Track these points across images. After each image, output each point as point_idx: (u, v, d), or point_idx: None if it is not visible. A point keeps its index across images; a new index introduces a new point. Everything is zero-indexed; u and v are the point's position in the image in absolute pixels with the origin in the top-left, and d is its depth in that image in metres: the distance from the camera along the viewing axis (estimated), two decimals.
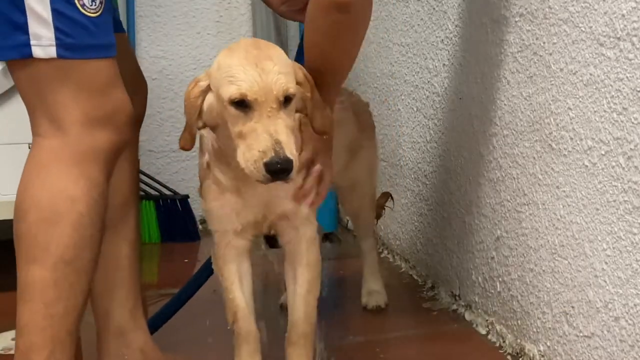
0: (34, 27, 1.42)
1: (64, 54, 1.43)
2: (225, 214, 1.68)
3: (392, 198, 2.50)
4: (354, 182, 2.20)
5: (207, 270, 2.03)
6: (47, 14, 1.41)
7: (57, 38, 1.42)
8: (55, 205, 1.45)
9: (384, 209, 2.49)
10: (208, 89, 1.56)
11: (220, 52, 1.58)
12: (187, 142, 1.61)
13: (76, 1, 1.43)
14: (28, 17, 1.41)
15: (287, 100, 1.50)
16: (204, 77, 1.58)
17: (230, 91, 1.49)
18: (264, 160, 1.44)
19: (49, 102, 1.46)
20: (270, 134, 1.46)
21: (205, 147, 1.68)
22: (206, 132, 1.64)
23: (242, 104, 1.48)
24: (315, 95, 1.61)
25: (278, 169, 1.44)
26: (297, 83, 1.57)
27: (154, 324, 2.04)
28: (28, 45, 1.42)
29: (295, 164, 1.46)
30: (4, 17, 1.42)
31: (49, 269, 1.45)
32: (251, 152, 1.46)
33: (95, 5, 1.46)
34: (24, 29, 1.42)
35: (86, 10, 1.44)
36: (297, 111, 1.59)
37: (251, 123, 1.47)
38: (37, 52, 1.43)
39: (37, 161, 1.48)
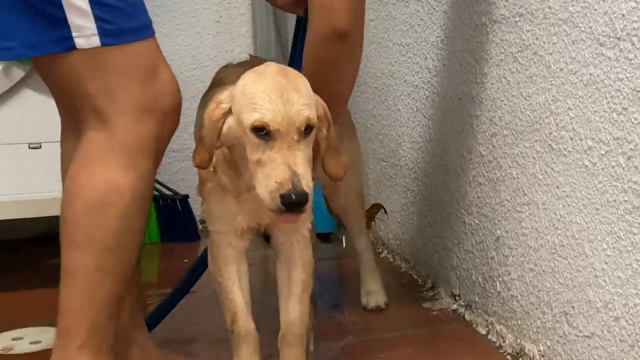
0: (73, 18, 1.41)
1: (107, 41, 1.43)
2: (226, 216, 1.68)
3: (385, 210, 2.49)
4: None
5: (202, 266, 2.03)
6: (85, 4, 1.41)
7: (98, 27, 1.42)
8: (102, 194, 1.47)
9: (374, 220, 2.48)
10: (229, 111, 1.56)
11: (245, 75, 1.56)
12: (204, 161, 1.60)
13: None
14: (66, 10, 1.41)
15: (307, 130, 1.51)
16: (226, 98, 1.56)
17: (253, 118, 1.49)
18: (281, 192, 1.45)
19: (94, 93, 1.46)
20: (289, 166, 1.46)
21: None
22: None
23: (263, 132, 1.49)
24: (331, 135, 1.61)
25: (294, 202, 1.45)
26: (317, 118, 1.56)
27: (151, 322, 2.04)
28: (70, 38, 1.42)
29: (310, 198, 1.48)
30: (40, 11, 1.41)
31: (92, 255, 1.48)
32: (268, 182, 1.47)
33: None
34: (63, 22, 1.41)
35: None
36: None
37: (271, 152, 1.48)
38: (81, 42, 1.43)
39: (86, 153, 1.49)
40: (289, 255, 1.73)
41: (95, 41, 1.43)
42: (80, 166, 1.49)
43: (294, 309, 1.73)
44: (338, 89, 1.75)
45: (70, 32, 1.42)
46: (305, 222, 1.72)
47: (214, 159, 1.66)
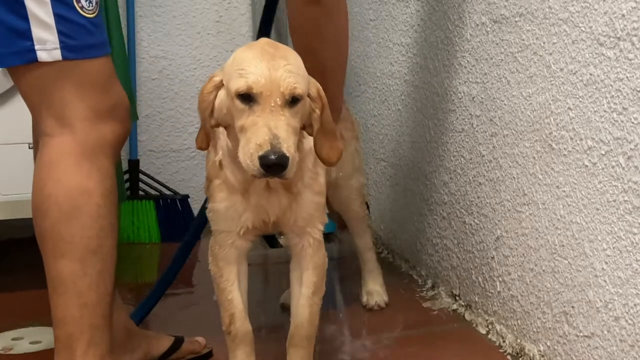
0: (37, 32, 1.45)
1: (69, 56, 1.47)
2: (232, 215, 1.68)
3: (368, 206, 2.48)
4: (339, 175, 2.18)
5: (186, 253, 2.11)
6: (49, 18, 1.45)
7: (60, 41, 1.46)
8: (73, 200, 1.49)
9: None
10: (221, 84, 1.56)
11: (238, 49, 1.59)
12: (202, 141, 1.61)
13: (75, 4, 1.47)
14: (31, 23, 1.44)
15: (293, 101, 1.50)
16: (219, 72, 1.58)
17: (239, 84, 1.49)
18: (259, 153, 1.44)
19: (54, 102, 1.50)
20: (269, 128, 1.45)
21: (219, 145, 1.67)
22: (222, 130, 1.64)
23: (248, 98, 1.48)
24: (325, 118, 1.59)
25: (272, 163, 1.43)
26: (310, 97, 1.56)
27: (141, 313, 2.07)
28: (33, 51, 1.46)
29: (292, 162, 1.45)
30: (3, 24, 1.45)
31: (77, 261, 1.50)
32: (249, 145, 1.46)
33: (92, 6, 1.50)
34: (26, 35, 1.45)
35: (84, 12, 1.49)
36: (302, 128, 1.58)
37: (253, 117, 1.47)
38: (43, 56, 1.46)
39: (48, 159, 1.51)
40: (301, 257, 1.73)
41: (57, 55, 1.47)
42: (46, 174, 1.51)
43: (303, 311, 1.72)
44: (328, 55, 1.83)
45: (33, 44, 1.45)
46: (316, 225, 1.72)
47: (219, 153, 1.66)
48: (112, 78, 1.56)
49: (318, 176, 1.70)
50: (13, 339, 2.13)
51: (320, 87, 1.59)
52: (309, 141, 1.65)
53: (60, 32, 1.46)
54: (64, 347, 1.51)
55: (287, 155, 1.44)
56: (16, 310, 2.36)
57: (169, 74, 3.18)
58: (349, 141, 2.20)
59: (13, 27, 1.44)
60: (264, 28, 2.18)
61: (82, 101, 1.50)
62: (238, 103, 1.50)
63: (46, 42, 1.46)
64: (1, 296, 2.45)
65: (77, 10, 1.47)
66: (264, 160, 1.43)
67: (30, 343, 2.10)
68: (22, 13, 1.44)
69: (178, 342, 1.93)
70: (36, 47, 1.45)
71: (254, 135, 1.46)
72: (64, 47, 1.46)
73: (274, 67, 1.49)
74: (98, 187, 1.51)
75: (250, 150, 1.45)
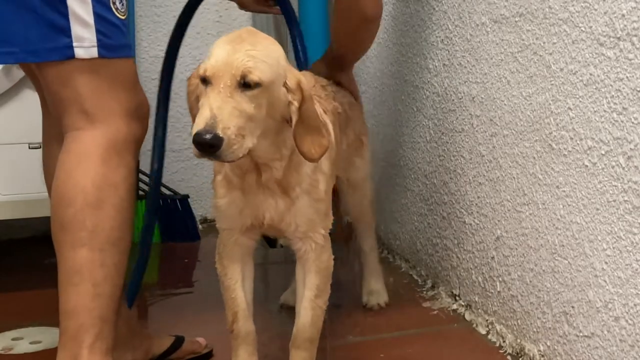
0: (76, 30, 1.51)
1: (104, 54, 1.53)
2: (232, 212, 1.68)
3: None
4: (356, 181, 2.20)
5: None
6: (89, 17, 1.51)
7: (98, 39, 1.53)
8: (100, 191, 1.53)
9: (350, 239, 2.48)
10: None
11: None
12: None
13: (111, 5, 1.54)
14: (71, 21, 1.50)
15: (248, 85, 1.46)
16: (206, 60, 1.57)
17: (201, 67, 1.48)
18: (194, 131, 1.42)
19: (86, 97, 1.55)
20: (211, 108, 1.42)
21: None
22: None
23: (206, 80, 1.47)
24: (308, 112, 1.55)
25: (202, 141, 1.40)
26: (287, 88, 1.53)
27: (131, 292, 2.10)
28: (71, 47, 1.51)
29: (229, 144, 1.42)
30: (45, 20, 1.50)
31: (97, 251, 1.52)
32: (194, 125, 1.44)
33: (123, 8, 1.58)
34: (65, 32, 1.51)
35: (118, 13, 1.56)
36: (288, 121, 1.56)
37: (204, 98, 1.46)
38: (80, 53, 1.52)
39: (78, 151, 1.55)
40: (304, 260, 1.72)
41: (94, 52, 1.53)
42: (74, 165, 1.54)
43: (305, 313, 1.72)
44: (361, 52, 2.26)
45: (71, 41, 1.51)
46: (318, 230, 1.71)
47: None
48: (137, 79, 1.62)
49: (318, 183, 1.68)
50: (13, 339, 2.13)
51: (303, 80, 1.55)
52: None
53: (98, 31, 1.52)
54: (71, 339, 1.52)
55: (221, 135, 1.40)
56: (16, 310, 2.36)
57: None
58: (367, 147, 2.23)
59: (53, 23, 1.50)
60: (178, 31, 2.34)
61: (113, 98, 1.56)
62: (201, 86, 1.49)
63: (84, 40, 1.51)
64: (1, 296, 2.45)
65: (113, 11, 1.55)
66: (196, 138, 1.41)
67: (30, 343, 2.10)
68: (63, 11, 1.50)
69: (178, 341, 1.93)
70: (74, 44, 1.51)
71: (199, 116, 1.44)
72: (100, 45, 1.52)
73: (235, 50, 1.46)
74: (123, 182, 1.56)
75: (192, 130, 1.43)
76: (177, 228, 3.05)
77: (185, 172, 3.26)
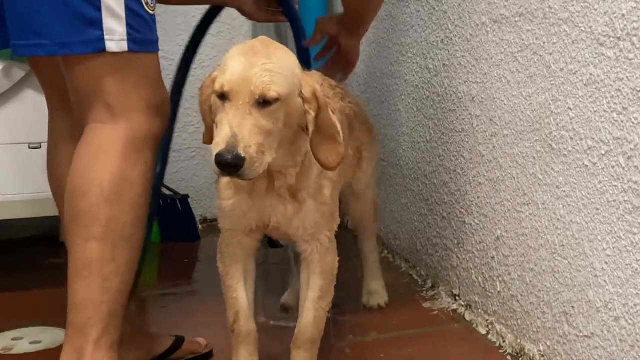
0: (108, 23, 1.50)
1: (134, 48, 1.52)
2: (237, 214, 1.68)
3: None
4: (361, 185, 2.19)
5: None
6: (121, 10, 1.50)
7: (128, 33, 1.51)
8: (117, 185, 1.52)
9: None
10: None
11: None
12: (208, 139, 1.60)
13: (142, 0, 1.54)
14: (103, 14, 1.49)
15: (266, 102, 1.45)
16: (217, 68, 1.56)
17: (217, 81, 1.48)
18: (216, 151, 1.41)
19: (111, 91, 1.53)
20: (231, 127, 1.42)
21: None
22: None
23: (223, 95, 1.46)
24: (325, 120, 1.55)
25: (225, 162, 1.40)
26: (303, 98, 1.53)
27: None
28: (102, 40, 1.50)
29: (249, 163, 1.41)
30: (77, 13, 1.48)
31: (109, 245, 1.51)
32: (214, 144, 1.44)
33: (153, 3, 1.56)
34: (97, 24, 1.49)
35: (148, 8, 1.55)
36: (303, 129, 1.56)
37: (223, 114, 1.45)
38: (111, 46, 1.50)
39: (98, 145, 1.54)
40: (309, 262, 1.72)
41: (124, 46, 1.51)
42: (92, 158, 1.53)
43: (308, 314, 1.72)
44: (371, 17, 2.24)
45: (102, 34, 1.50)
46: (324, 231, 1.71)
47: None
48: (160, 76, 1.61)
49: (323, 188, 1.68)
50: (13, 339, 2.13)
51: (318, 89, 1.55)
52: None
53: (128, 25, 1.51)
54: (77, 333, 1.51)
55: (243, 155, 1.40)
56: (16, 310, 2.35)
57: (169, 74, 3.16)
58: (374, 154, 2.22)
59: (85, 16, 1.48)
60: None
61: (138, 93, 1.55)
62: (216, 99, 1.49)
63: (115, 33, 1.50)
64: (1, 296, 2.45)
65: (143, 5, 1.53)
66: (217, 159, 1.41)
67: (30, 343, 2.10)
68: (95, 3, 1.48)
69: (178, 341, 1.93)
70: (106, 37, 1.50)
71: (218, 133, 1.44)
72: (130, 39, 1.51)
73: (251, 64, 1.45)
74: (140, 178, 1.55)
75: (213, 149, 1.44)
76: (177, 228, 3.05)
77: (185, 172, 3.26)
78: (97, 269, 1.50)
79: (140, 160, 1.54)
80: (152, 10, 1.56)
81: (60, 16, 1.48)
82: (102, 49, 1.50)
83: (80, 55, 1.51)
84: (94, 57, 1.51)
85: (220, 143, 1.41)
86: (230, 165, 1.41)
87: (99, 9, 1.48)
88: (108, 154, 1.52)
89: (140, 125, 1.55)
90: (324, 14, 3.04)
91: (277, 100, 1.46)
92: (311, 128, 1.55)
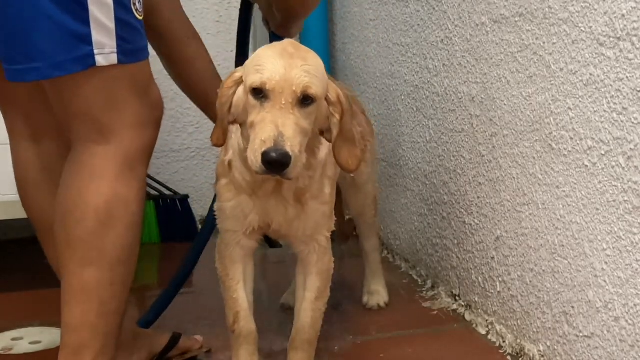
0: (97, 36, 1.42)
1: (123, 60, 1.45)
2: (238, 215, 1.68)
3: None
4: (360, 180, 2.20)
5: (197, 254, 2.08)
6: (111, 22, 1.42)
7: (118, 45, 1.44)
8: (112, 209, 1.48)
9: (350, 236, 2.47)
10: (241, 80, 1.55)
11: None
12: (219, 138, 1.59)
13: (132, 6, 1.46)
14: (92, 27, 1.41)
15: (305, 101, 1.48)
16: (240, 69, 1.57)
17: (254, 79, 1.48)
18: (262, 149, 1.42)
19: (99, 108, 1.47)
20: (276, 125, 1.43)
21: (229, 144, 1.66)
22: (235, 129, 1.63)
23: (261, 94, 1.47)
24: (345, 124, 1.57)
25: (273, 160, 1.41)
26: (328, 102, 1.55)
27: (151, 316, 2.06)
28: (92, 56, 1.42)
29: (295, 161, 1.44)
30: (65, 29, 1.40)
31: (106, 270, 1.48)
32: (255, 142, 1.45)
33: (141, 7, 1.49)
34: (86, 39, 1.41)
35: (138, 14, 1.48)
36: (321, 133, 1.58)
37: (263, 113, 1.46)
38: (100, 60, 1.43)
39: (90, 167, 1.49)
40: (306, 262, 1.73)
41: (113, 59, 1.44)
42: (86, 182, 1.48)
43: (305, 315, 1.73)
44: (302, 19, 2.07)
45: (92, 49, 1.42)
46: (322, 232, 1.72)
47: (229, 153, 1.65)
48: (151, 79, 1.55)
49: (324, 187, 1.69)
50: (13, 339, 2.13)
51: (341, 93, 1.58)
52: (321, 151, 1.64)
53: (118, 36, 1.43)
54: (73, 354, 1.50)
55: (290, 153, 1.42)
56: (16, 310, 2.36)
57: (169, 74, 3.18)
58: (372, 149, 2.22)
59: (74, 32, 1.40)
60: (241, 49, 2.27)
61: (127, 108, 1.49)
62: (251, 98, 1.49)
63: (105, 46, 1.43)
64: (1, 296, 2.45)
65: (133, 12, 1.46)
66: (265, 157, 1.42)
67: (30, 343, 2.10)
68: (84, 17, 1.40)
69: (175, 338, 1.93)
70: (95, 51, 1.42)
71: (260, 132, 1.44)
72: (120, 51, 1.44)
73: (291, 65, 1.48)
74: (136, 196, 1.51)
75: (255, 146, 1.44)
76: (177, 228, 3.05)
77: (185, 172, 3.26)
78: (95, 294, 1.48)
79: (134, 178, 1.51)
80: (141, 16, 1.49)
81: (48, 34, 1.40)
82: (92, 64, 1.42)
83: (73, 75, 1.44)
84: (84, 74, 1.43)
85: (266, 141, 1.42)
86: (278, 162, 1.41)
87: (87, 22, 1.40)
88: (102, 176, 1.48)
89: (132, 142, 1.50)
90: (325, 40, 3.06)
91: (314, 100, 1.50)
92: (335, 131, 1.57)
